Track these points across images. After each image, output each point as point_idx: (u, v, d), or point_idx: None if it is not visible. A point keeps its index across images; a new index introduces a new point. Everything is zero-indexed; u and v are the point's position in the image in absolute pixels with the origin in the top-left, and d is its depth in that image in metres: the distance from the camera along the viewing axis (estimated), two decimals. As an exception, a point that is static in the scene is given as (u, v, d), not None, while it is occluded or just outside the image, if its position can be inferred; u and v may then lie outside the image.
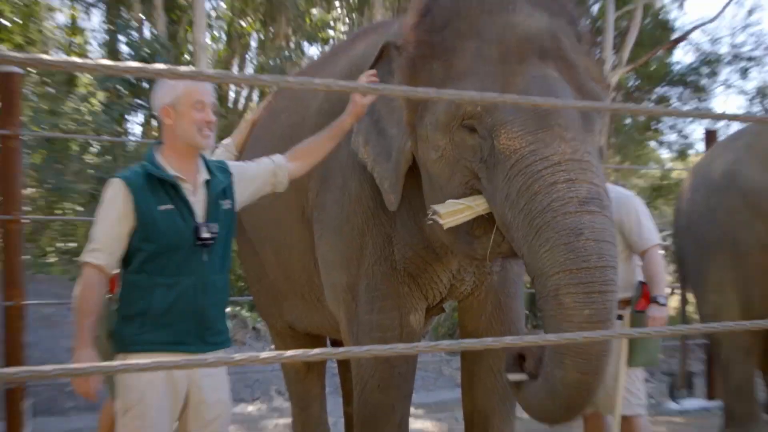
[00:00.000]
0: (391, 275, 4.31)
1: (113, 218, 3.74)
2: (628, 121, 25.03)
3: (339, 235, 4.46)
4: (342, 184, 4.44)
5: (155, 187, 3.81)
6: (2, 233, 7.02)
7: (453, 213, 3.51)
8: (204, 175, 3.92)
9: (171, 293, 3.79)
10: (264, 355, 2.06)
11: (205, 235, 3.82)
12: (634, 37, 20.09)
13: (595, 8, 21.96)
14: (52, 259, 16.23)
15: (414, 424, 5.92)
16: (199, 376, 3.84)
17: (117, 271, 5.90)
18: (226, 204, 3.95)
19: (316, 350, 2.08)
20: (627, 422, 5.24)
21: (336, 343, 5.60)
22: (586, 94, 3.51)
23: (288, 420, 9.02)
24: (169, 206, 3.81)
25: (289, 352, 2.12)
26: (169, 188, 3.82)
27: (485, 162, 3.48)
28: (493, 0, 3.69)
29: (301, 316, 5.38)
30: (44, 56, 1.82)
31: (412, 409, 4.62)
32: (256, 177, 4.13)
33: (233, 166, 4.15)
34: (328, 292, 4.66)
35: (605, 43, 18.20)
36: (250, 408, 10.83)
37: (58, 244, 17.35)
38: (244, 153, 5.65)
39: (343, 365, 5.91)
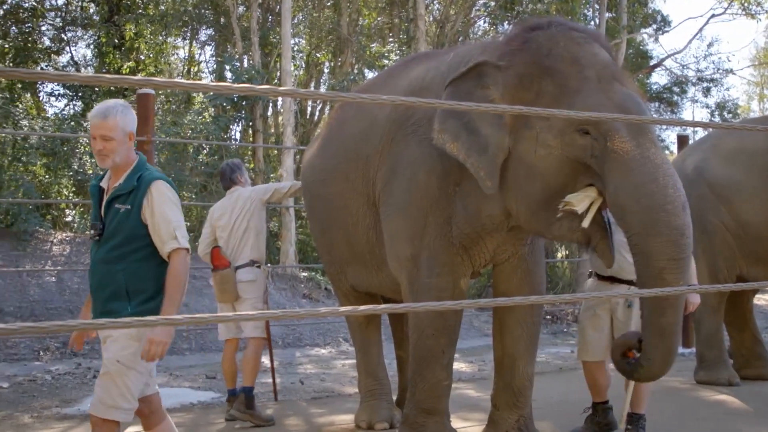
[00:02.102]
0: (448, 248, 4.42)
1: None
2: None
3: (406, 215, 4.53)
4: (410, 176, 4.51)
5: (93, 193, 3.87)
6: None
7: (581, 200, 3.81)
8: (117, 184, 3.73)
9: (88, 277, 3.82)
10: (343, 309, 2.06)
11: (91, 231, 3.78)
12: (620, 63, 19.85)
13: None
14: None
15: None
16: (104, 339, 3.68)
17: (220, 245, 6.01)
18: (122, 208, 3.67)
19: (384, 305, 2.10)
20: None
21: (387, 301, 5.58)
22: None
23: (352, 361, 9.06)
24: (92, 210, 3.86)
25: (362, 307, 2.12)
26: (96, 194, 3.82)
27: (596, 158, 3.77)
28: (576, 34, 4.02)
29: (362, 279, 5.38)
30: (176, 80, 1.83)
31: (449, 354, 4.61)
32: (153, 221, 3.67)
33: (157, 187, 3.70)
34: (392, 261, 4.70)
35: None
36: (323, 351, 10.88)
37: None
38: (312, 157, 5.67)
39: (395, 318, 5.88)
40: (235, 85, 1.97)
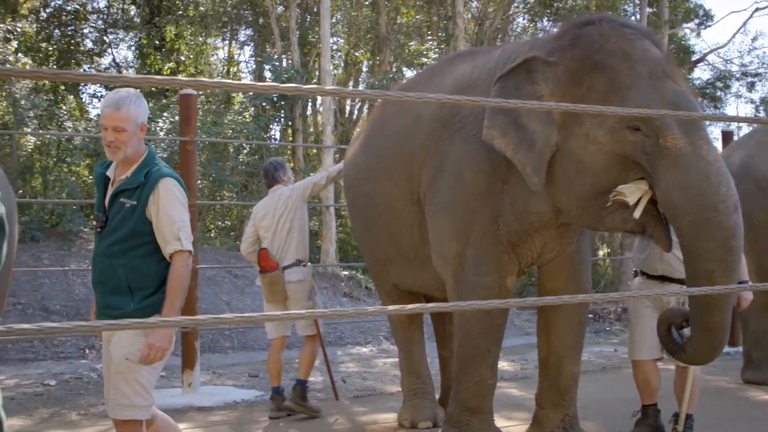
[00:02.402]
0: (495, 245, 4.40)
1: None
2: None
3: (452, 213, 4.51)
4: (457, 174, 4.48)
5: (99, 180, 3.73)
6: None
7: (632, 191, 3.80)
8: (123, 176, 3.61)
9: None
10: (391, 308, 2.06)
11: (94, 222, 3.65)
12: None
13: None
14: (213, 234, 16.54)
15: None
16: (109, 337, 3.62)
17: (265, 246, 6.04)
18: (128, 203, 3.55)
19: (432, 304, 2.10)
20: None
21: (431, 300, 5.55)
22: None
23: (393, 360, 9.06)
24: (96, 196, 3.73)
25: (409, 306, 2.12)
26: (101, 182, 3.70)
27: (647, 154, 3.74)
28: (628, 31, 4.00)
29: (406, 278, 5.38)
30: (219, 80, 1.84)
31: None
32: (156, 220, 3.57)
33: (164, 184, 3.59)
34: (438, 259, 4.67)
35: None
36: (364, 350, 10.89)
37: (218, 222, 17.68)
38: (354, 156, 5.67)
39: (437, 317, 5.86)
40: (283, 85, 1.97)
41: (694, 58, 23.79)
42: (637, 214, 3.82)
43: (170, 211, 3.52)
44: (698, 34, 28.89)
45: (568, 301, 2.41)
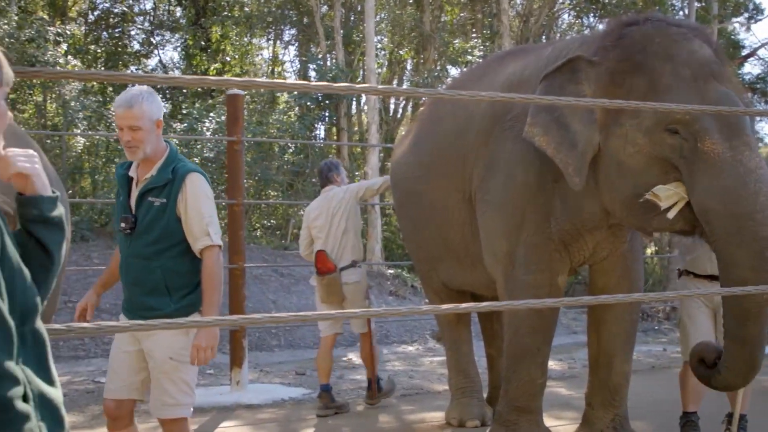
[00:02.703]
0: (545, 244, 4.36)
1: None
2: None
3: (502, 212, 4.49)
4: (507, 172, 4.46)
5: (122, 182, 3.65)
6: (228, 213, 7.19)
7: (668, 196, 3.72)
8: (148, 175, 3.55)
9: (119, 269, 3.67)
10: (444, 307, 2.06)
11: (122, 224, 3.56)
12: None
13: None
14: (259, 233, 16.65)
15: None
16: (145, 336, 3.53)
17: (319, 247, 6.10)
18: (157, 202, 3.51)
19: (485, 303, 2.09)
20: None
21: (477, 298, 5.52)
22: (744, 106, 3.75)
23: (439, 358, 9.05)
24: (121, 198, 3.65)
25: (464, 305, 2.13)
26: (124, 184, 3.62)
27: (685, 158, 3.67)
28: (675, 31, 3.88)
29: (455, 276, 5.36)
30: (266, 80, 1.85)
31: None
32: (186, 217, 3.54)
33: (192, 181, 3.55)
34: (488, 257, 4.65)
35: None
36: (410, 348, 10.88)
37: (264, 222, 17.80)
38: (403, 155, 5.66)
39: (485, 316, 5.83)
40: (336, 84, 1.98)
41: (744, 53, 23.39)
42: (671, 215, 3.74)
43: (199, 207, 3.50)
44: (748, 29, 28.44)
45: (620, 300, 2.38)
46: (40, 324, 1.63)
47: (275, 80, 1.93)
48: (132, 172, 3.63)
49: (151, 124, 3.48)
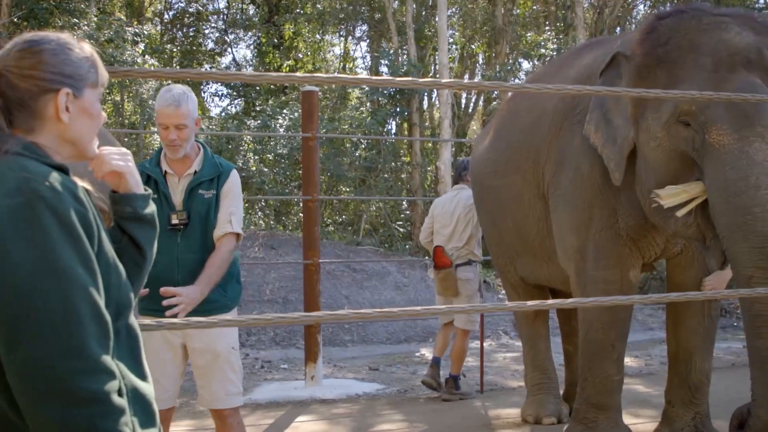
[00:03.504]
0: (614, 239, 4.32)
1: None
2: None
3: (572, 207, 4.48)
4: (576, 166, 4.45)
5: (162, 180, 3.57)
6: (303, 209, 7.26)
7: (671, 195, 3.62)
8: (191, 170, 3.58)
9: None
10: (510, 304, 2.08)
11: (174, 221, 3.50)
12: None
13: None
14: (331, 228, 16.78)
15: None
16: (196, 333, 3.52)
17: (439, 243, 6.30)
18: (207, 194, 3.54)
19: (571, 300, 2.09)
20: None
21: (555, 294, 5.51)
22: None
23: (512, 354, 9.03)
24: (155, 196, 3.47)
25: (550, 302, 2.13)
26: (153, 182, 3.53)
27: (697, 151, 3.58)
28: (709, 20, 3.74)
29: (532, 271, 5.36)
30: (341, 76, 1.89)
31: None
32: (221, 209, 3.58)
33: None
34: (560, 252, 4.66)
35: None
36: (484, 344, 10.83)
37: (336, 217, 17.93)
38: (484, 150, 5.67)
39: (562, 311, 5.83)
40: (422, 80, 2.00)
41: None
42: (680, 213, 3.65)
43: (232, 200, 3.58)
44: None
45: (692, 298, 2.34)
46: (133, 319, 1.67)
47: (361, 76, 1.97)
48: (167, 168, 3.61)
49: (193, 122, 3.53)
